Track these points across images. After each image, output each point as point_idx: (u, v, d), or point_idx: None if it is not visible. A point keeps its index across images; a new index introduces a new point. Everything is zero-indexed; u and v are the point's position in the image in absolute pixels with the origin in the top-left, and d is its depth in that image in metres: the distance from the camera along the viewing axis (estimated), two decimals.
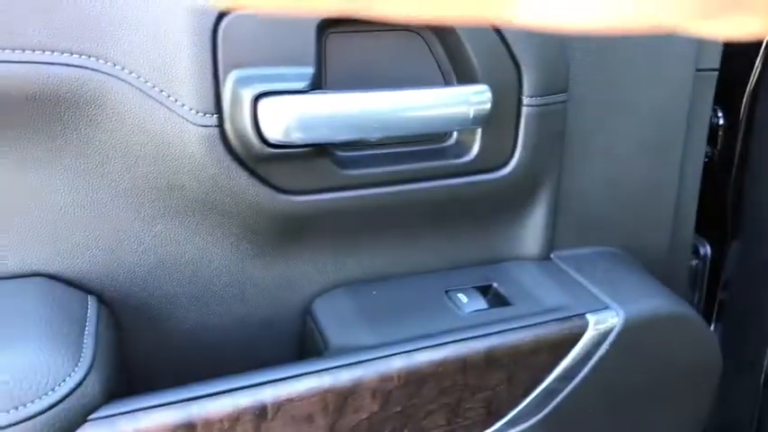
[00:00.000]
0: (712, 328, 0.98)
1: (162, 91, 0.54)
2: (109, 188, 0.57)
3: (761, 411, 0.89)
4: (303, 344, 0.67)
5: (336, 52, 0.60)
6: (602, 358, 0.64)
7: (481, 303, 0.66)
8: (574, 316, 0.63)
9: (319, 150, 0.59)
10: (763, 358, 0.89)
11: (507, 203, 0.69)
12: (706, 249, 0.96)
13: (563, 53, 0.65)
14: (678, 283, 0.85)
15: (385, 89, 0.59)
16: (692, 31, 0.16)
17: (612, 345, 0.64)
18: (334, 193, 0.60)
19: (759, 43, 0.84)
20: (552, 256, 0.73)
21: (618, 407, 0.68)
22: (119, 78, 0.53)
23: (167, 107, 0.54)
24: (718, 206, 0.94)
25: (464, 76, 0.62)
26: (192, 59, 0.53)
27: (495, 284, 0.68)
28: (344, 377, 0.55)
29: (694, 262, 0.96)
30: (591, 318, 0.64)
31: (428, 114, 0.60)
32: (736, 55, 0.83)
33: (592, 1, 0.15)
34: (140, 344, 0.63)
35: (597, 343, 0.64)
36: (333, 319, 0.63)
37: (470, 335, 0.60)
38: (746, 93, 0.87)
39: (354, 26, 0.60)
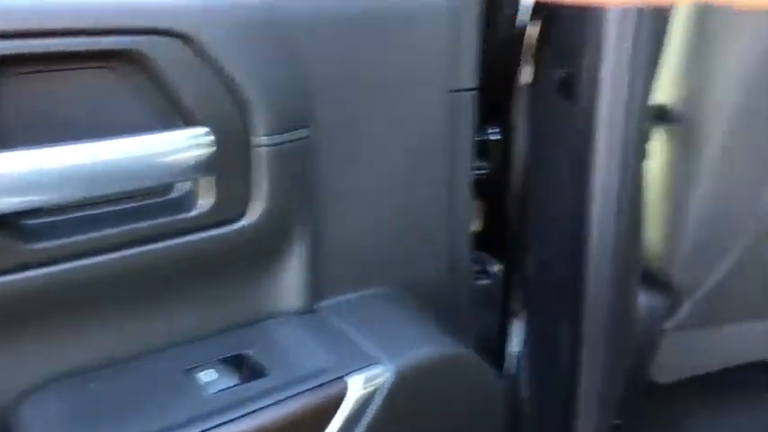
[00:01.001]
0: (523, 334, 0.95)
1: None
2: None
3: (569, 388, 0.88)
4: None
5: (15, 97, 0.48)
6: (375, 418, 0.58)
7: (231, 379, 0.56)
8: (332, 380, 0.56)
9: None
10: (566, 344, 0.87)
11: (253, 257, 0.61)
12: (495, 268, 0.95)
13: (300, 86, 0.58)
14: (463, 307, 0.81)
15: (78, 141, 0.48)
16: (711, 1, 0.14)
17: (386, 400, 0.58)
18: (18, 274, 0.48)
19: (519, 60, 0.83)
20: (318, 306, 0.65)
21: None
22: None
23: None
24: (502, 222, 0.92)
25: (182, 118, 0.53)
26: None
27: (249, 352, 0.59)
28: None
29: (486, 281, 0.94)
30: (357, 377, 0.57)
31: (134, 167, 0.50)
32: (502, 71, 0.81)
33: None
34: None
35: (366, 403, 0.57)
36: (42, 422, 0.51)
37: (210, 424, 0.50)
38: (512, 107, 0.85)
39: (37, 64, 0.48)
